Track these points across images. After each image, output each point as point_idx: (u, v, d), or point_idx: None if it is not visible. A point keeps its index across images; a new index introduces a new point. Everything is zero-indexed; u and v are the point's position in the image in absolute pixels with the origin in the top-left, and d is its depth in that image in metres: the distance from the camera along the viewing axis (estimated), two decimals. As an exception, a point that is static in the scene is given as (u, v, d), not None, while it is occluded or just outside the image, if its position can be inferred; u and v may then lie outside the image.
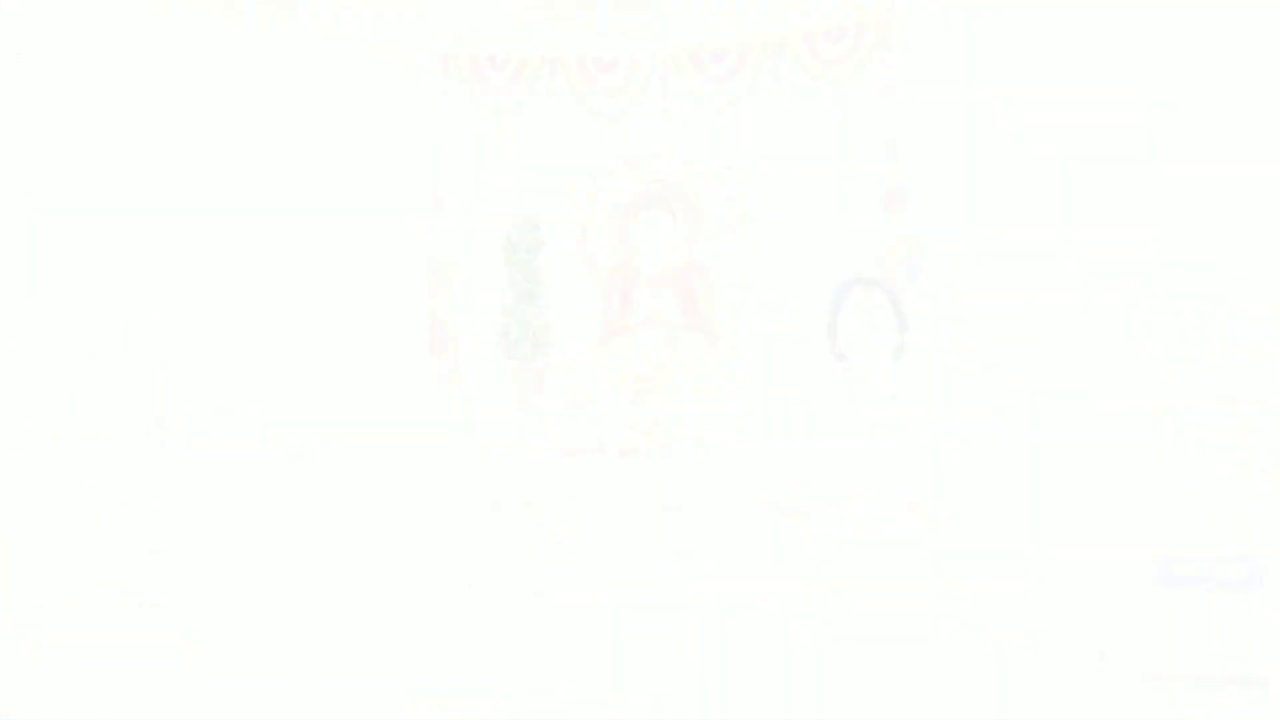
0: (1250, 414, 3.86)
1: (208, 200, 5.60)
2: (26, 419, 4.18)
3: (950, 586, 4.34)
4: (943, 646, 3.75)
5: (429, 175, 7.08)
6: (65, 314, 4.51)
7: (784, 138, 6.87)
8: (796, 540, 4.69)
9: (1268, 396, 3.81)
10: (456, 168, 7.18)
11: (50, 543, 4.11)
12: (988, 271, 5.60)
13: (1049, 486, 4.72)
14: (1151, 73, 5.01)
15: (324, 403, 5.71)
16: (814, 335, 6.73)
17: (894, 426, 6.45)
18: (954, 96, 5.88)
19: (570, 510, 5.07)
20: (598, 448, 5.41)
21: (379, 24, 6.45)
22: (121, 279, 4.98)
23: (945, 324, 5.91)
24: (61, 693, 3.55)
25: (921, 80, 6.10)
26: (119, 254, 4.99)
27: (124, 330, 4.83)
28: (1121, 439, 4.27)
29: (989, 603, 4.25)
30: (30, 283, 4.48)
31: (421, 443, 6.96)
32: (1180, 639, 3.63)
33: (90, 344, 4.57)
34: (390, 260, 6.73)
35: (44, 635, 3.74)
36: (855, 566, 4.77)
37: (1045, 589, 4.38)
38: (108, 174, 4.91)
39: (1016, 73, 5.52)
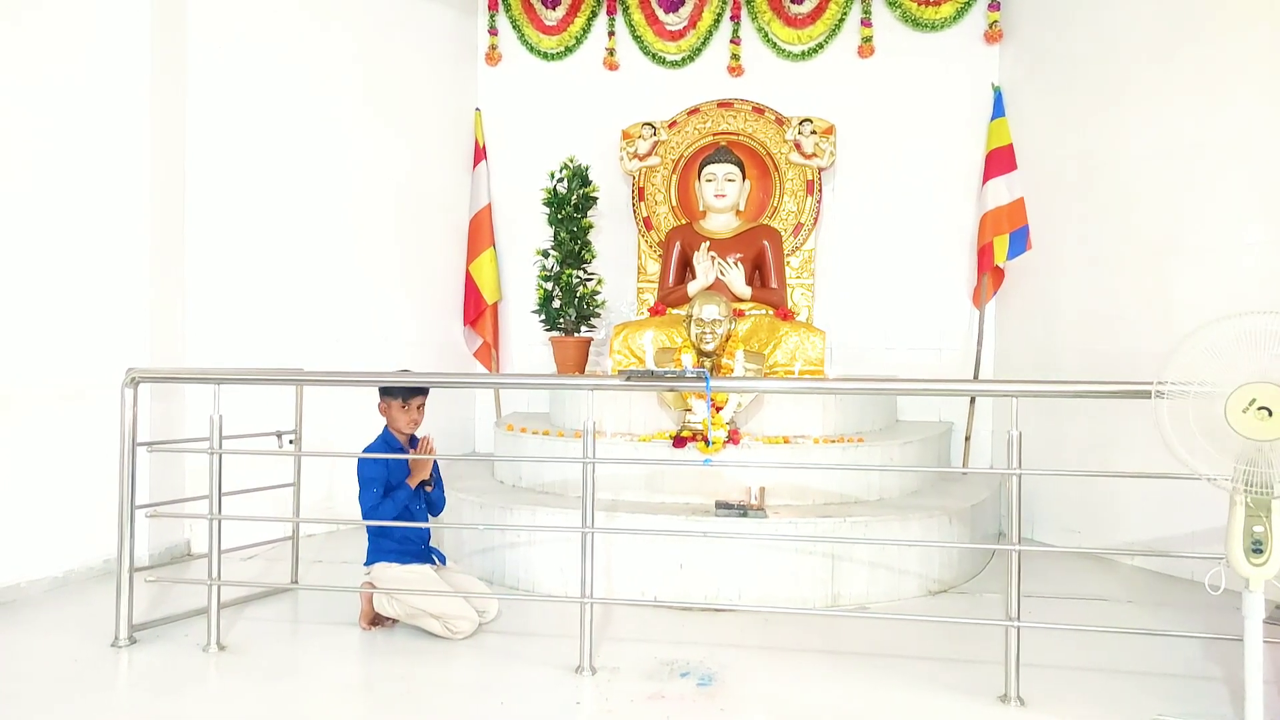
0: None
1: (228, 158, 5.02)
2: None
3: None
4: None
5: (469, 126, 6.47)
6: None
7: (873, 89, 6.07)
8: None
9: None
10: (501, 114, 6.55)
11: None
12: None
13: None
14: None
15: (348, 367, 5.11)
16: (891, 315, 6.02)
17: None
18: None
19: (616, 499, 4.35)
20: (650, 432, 4.66)
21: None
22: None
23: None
24: None
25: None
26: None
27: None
28: None
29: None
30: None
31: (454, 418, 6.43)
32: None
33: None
34: (420, 221, 6.11)
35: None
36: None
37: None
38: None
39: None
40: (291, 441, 4.02)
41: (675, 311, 5.41)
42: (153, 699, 2.96)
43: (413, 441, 3.75)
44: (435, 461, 3.81)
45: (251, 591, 4.01)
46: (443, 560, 3.77)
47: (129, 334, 4.53)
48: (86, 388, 4.29)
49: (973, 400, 5.81)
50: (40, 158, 4.25)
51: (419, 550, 3.64)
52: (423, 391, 3.74)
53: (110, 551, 3.95)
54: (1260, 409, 2.26)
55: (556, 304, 5.87)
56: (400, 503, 3.58)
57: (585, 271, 5.90)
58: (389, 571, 3.56)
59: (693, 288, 5.48)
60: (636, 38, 6.40)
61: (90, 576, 4.34)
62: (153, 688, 3.05)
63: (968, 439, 5.79)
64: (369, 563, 3.64)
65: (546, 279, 5.89)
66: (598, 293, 5.93)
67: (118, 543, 3.42)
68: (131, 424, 3.43)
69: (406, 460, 3.65)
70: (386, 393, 3.67)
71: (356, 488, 3.62)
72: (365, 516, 3.55)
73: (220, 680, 3.12)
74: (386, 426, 3.69)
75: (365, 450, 3.63)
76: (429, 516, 3.78)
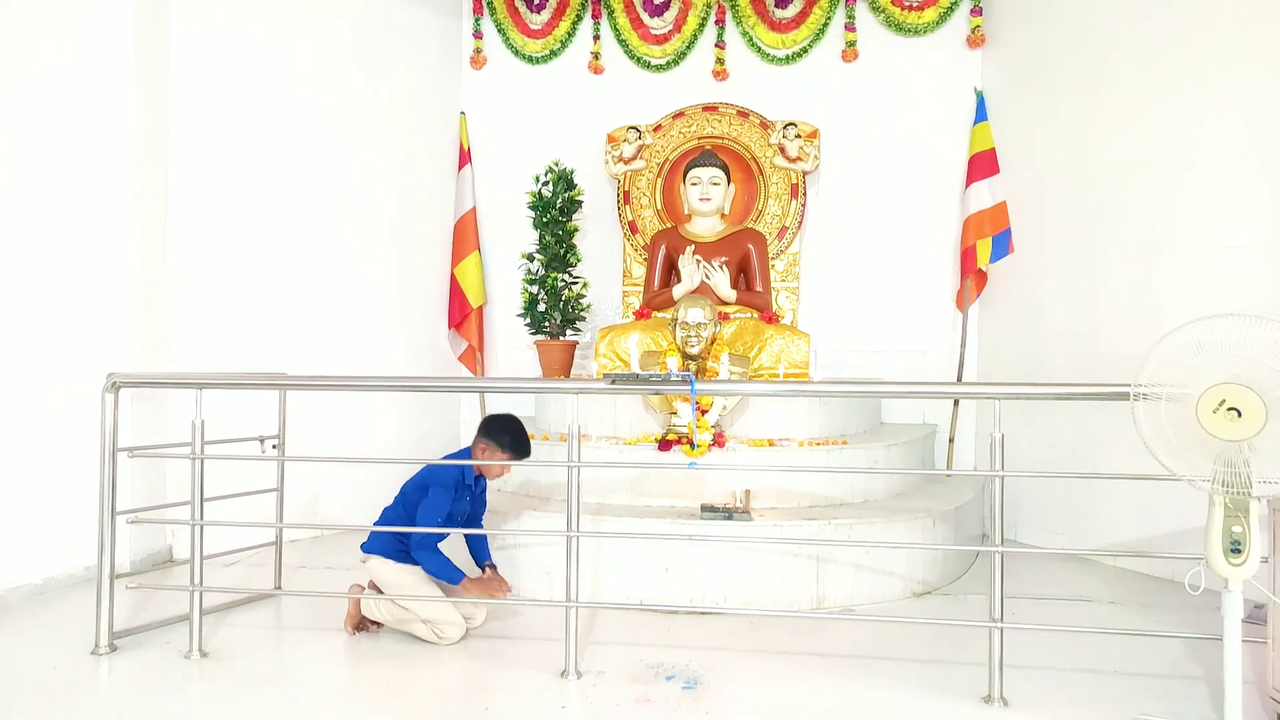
0: None
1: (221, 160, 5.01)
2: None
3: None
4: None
5: (452, 128, 6.46)
6: None
7: (857, 93, 6.10)
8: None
9: None
10: (485, 117, 6.55)
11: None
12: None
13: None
14: None
15: (335, 371, 5.09)
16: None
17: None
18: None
19: (602, 502, 4.35)
20: (635, 436, 4.67)
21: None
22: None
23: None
24: None
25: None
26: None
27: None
28: None
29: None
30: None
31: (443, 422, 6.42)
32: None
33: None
34: (405, 224, 6.10)
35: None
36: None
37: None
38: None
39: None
40: (275, 446, 4.00)
41: (660, 315, 5.42)
42: (134, 706, 2.93)
43: (478, 480, 3.70)
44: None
45: (234, 598, 3.98)
46: None
47: (111, 338, 4.49)
48: (67, 392, 4.25)
49: (956, 402, 5.84)
50: (21, 159, 4.21)
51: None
52: (530, 454, 3.69)
53: (91, 558, 3.90)
54: (1230, 409, 2.29)
55: (541, 307, 5.86)
56: (439, 567, 3.50)
57: (570, 275, 5.90)
58: (383, 567, 3.54)
59: (678, 291, 5.49)
60: (621, 41, 6.41)
61: (70, 583, 4.30)
62: (134, 695, 3.03)
63: (951, 441, 5.82)
64: (367, 549, 3.61)
65: (531, 282, 5.89)
66: (583, 296, 5.93)
67: (98, 549, 3.39)
68: (112, 429, 3.40)
69: (467, 497, 3.63)
70: (497, 443, 3.57)
71: (412, 482, 3.61)
72: (419, 521, 3.46)
73: (203, 687, 3.09)
74: (471, 454, 3.61)
75: (446, 457, 3.62)
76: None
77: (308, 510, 5.20)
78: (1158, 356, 2.43)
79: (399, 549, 3.56)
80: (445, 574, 3.47)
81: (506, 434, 3.59)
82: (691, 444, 4.32)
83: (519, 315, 6.00)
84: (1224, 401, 2.29)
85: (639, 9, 6.37)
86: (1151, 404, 2.42)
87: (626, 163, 6.06)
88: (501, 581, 3.64)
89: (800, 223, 5.90)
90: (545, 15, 6.49)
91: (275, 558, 4.14)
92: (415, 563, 3.56)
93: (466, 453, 3.65)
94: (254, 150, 5.19)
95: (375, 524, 3.64)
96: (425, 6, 6.22)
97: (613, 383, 3.14)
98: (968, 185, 5.70)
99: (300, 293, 5.41)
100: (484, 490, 3.78)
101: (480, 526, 3.78)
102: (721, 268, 5.51)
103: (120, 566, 4.14)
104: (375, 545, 3.59)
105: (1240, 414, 2.28)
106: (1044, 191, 5.35)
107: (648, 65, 6.41)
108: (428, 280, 6.30)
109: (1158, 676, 3.15)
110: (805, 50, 6.19)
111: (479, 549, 3.77)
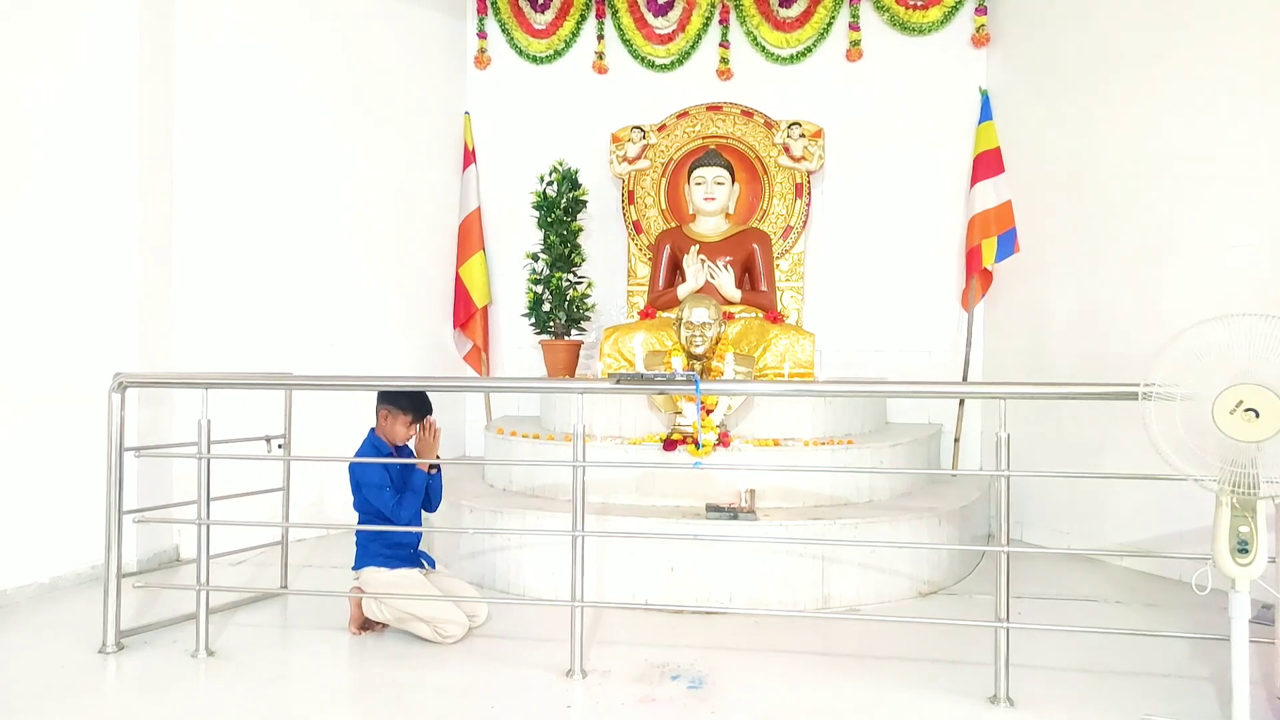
0: None
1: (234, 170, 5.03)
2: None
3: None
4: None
5: (457, 127, 6.47)
6: None
7: (861, 92, 6.10)
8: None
9: None
10: (490, 117, 6.56)
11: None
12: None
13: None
14: None
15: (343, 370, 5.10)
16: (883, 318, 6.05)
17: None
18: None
19: (607, 502, 4.35)
20: (641, 436, 4.67)
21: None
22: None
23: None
24: None
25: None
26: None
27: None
28: None
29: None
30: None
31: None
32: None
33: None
34: (410, 224, 6.10)
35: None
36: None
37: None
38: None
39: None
40: (280, 446, 4.01)
41: (665, 314, 5.41)
42: (141, 705, 2.94)
43: (400, 451, 3.74)
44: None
45: (240, 597, 3.99)
46: (431, 564, 3.77)
47: (116, 338, 4.50)
48: (73, 392, 4.27)
49: (962, 402, 5.83)
50: (27, 160, 4.22)
51: (408, 554, 3.63)
52: (431, 411, 3.74)
53: (98, 557, 3.92)
54: (1247, 410, 2.27)
55: (546, 307, 5.86)
56: (419, 492, 3.59)
57: (575, 275, 5.90)
58: (378, 576, 3.55)
59: (682, 291, 5.49)
60: (625, 41, 6.41)
61: (78, 582, 4.31)
62: (141, 694, 3.03)
63: (957, 440, 5.81)
64: (357, 567, 3.63)
65: (536, 282, 5.89)
66: (588, 296, 5.93)
67: (105, 548, 3.40)
68: (119, 429, 3.41)
69: (400, 464, 3.65)
70: (395, 406, 3.64)
71: (351, 494, 3.60)
72: (393, 520, 3.52)
73: (209, 686, 3.10)
74: (375, 433, 3.68)
75: (357, 454, 3.62)
76: (423, 515, 3.74)
77: (313, 510, 5.20)
78: (1169, 356, 2.41)
79: (385, 554, 3.58)
80: (420, 492, 3.58)
81: (401, 396, 3.65)
82: (696, 444, 4.32)
83: (524, 315, 6.01)
84: (1241, 402, 2.28)
85: (643, 9, 6.37)
86: (1162, 404, 2.40)
87: (631, 162, 6.06)
88: (426, 426, 3.70)
89: (805, 222, 5.90)
90: (549, 15, 6.49)
91: (281, 557, 4.16)
92: (405, 565, 3.59)
93: (370, 435, 3.68)
94: (258, 150, 5.20)
95: (356, 544, 3.66)
96: (429, 7, 6.22)
97: (618, 382, 3.14)
98: (973, 184, 5.69)
99: (305, 293, 5.42)
100: (408, 452, 3.80)
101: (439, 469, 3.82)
102: (726, 267, 5.51)
103: (127, 566, 4.15)
104: (362, 560, 3.62)
105: (1258, 415, 2.26)
106: (1049, 190, 5.34)
107: (652, 65, 6.41)
108: (432, 280, 6.30)
109: (1164, 677, 3.14)
110: (809, 50, 6.18)
111: (435, 497, 3.80)
